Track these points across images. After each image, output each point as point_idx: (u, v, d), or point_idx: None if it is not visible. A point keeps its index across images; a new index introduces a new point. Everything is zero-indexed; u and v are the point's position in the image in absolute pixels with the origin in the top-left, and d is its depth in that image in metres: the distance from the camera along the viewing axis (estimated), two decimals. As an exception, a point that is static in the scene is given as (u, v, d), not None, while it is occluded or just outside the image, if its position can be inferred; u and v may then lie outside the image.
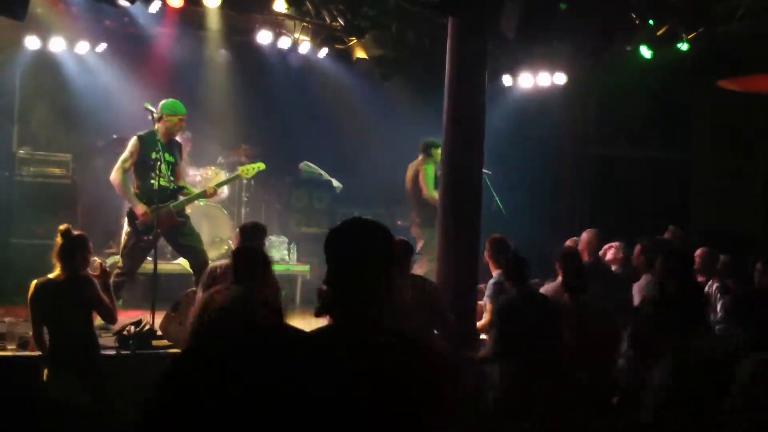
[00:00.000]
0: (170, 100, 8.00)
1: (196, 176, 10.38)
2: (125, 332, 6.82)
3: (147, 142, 7.77)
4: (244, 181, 11.02)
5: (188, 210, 9.99)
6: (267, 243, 10.45)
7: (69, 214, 9.31)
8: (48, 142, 10.22)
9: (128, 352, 6.70)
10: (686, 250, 6.45)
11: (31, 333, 5.93)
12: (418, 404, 2.27)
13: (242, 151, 10.94)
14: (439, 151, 8.94)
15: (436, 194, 9.08)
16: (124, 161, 7.77)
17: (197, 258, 7.88)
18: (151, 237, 7.65)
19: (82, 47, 10.04)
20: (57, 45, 9.92)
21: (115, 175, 7.80)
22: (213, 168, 10.53)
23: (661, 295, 5.37)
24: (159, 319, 7.24)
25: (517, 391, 5.65)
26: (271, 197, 11.39)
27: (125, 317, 7.44)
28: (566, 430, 5.49)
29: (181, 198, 8.00)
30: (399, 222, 11.03)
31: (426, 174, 9.47)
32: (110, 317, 6.05)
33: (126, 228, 7.94)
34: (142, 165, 7.79)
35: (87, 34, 9.94)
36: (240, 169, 8.81)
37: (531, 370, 5.60)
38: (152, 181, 7.77)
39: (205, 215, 10.09)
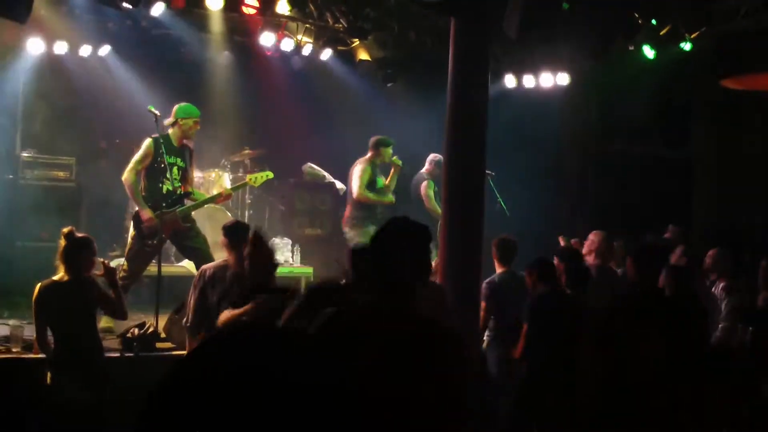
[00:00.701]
0: (184, 103, 8.04)
1: (199, 178, 10.38)
2: (129, 335, 6.84)
3: (161, 145, 7.76)
4: (248, 184, 11.05)
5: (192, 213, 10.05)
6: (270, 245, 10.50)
7: (72, 216, 9.33)
8: (51, 145, 10.23)
9: (132, 354, 6.71)
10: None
11: (34, 335, 5.94)
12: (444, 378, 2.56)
13: (245, 153, 10.95)
14: (390, 150, 9.10)
15: (368, 194, 9.16)
16: (138, 162, 7.76)
17: (204, 261, 7.88)
18: (155, 242, 7.65)
19: (86, 50, 10.05)
20: (60, 48, 9.93)
21: (127, 176, 7.79)
22: (216, 170, 10.54)
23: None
24: (163, 321, 7.27)
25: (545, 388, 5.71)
26: (274, 199, 11.40)
27: (129, 320, 7.45)
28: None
29: (188, 203, 8.00)
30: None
31: (362, 172, 9.51)
32: (120, 313, 6.08)
33: (131, 231, 7.94)
34: (153, 168, 7.80)
35: (90, 36, 9.94)
36: (248, 177, 8.84)
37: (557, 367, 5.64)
38: (161, 185, 7.79)
39: (208, 218, 10.08)
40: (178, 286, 8.56)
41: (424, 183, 10.09)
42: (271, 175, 9.04)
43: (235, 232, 6.47)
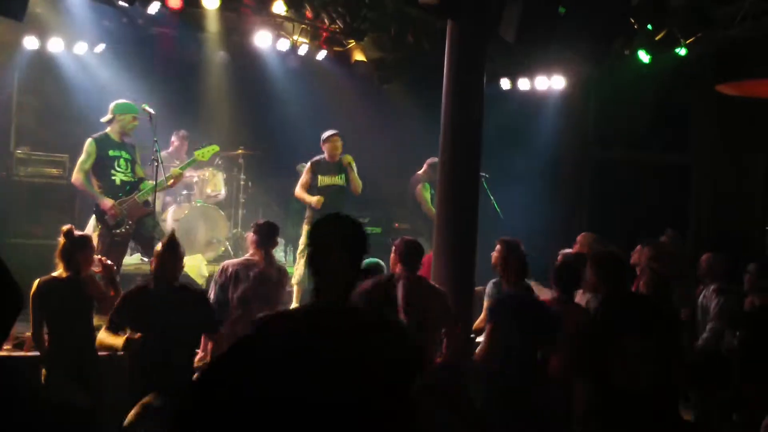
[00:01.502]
0: (122, 100, 8.03)
1: (193, 177, 10.38)
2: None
3: (102, 143, 7.82)
4: (242, 183, 11.03)
5: (185, 211, 10.04)
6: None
7: (66, 214, 9.31)
8: (45, 142, 10.20)
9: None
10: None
11: (26, 333, 5.92)
12: (387, 367, 2.69)
13: (240, 152, 10.94)
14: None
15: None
16: (83, 162, 7.78)
17: (149, 252, 7.82)
18: (123, 230, 7.66)
19: (81, 48, 10.04)
20: (55, 45, 9.91)
21: (76, 177, 7.82)
22: (211, 169, 10.54)
23: None
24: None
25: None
26: (268, 199, 11.39)
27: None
28: None
29: (144, 189, 7.97)
30: (396, 225, 11.04)
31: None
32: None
33: (96, 229, 7.91)
34: (100, 164, 7.81)
35: (86, 34, 9.93)
36: (195, 153, 8.83)
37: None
38: (113, 178, 7.82)
39: (202, 216, 10.10)
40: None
41: (420, 185, 10.10)
42: (216, 148, 9.12)
43: (265, 231, 6.50)
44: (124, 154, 7.88)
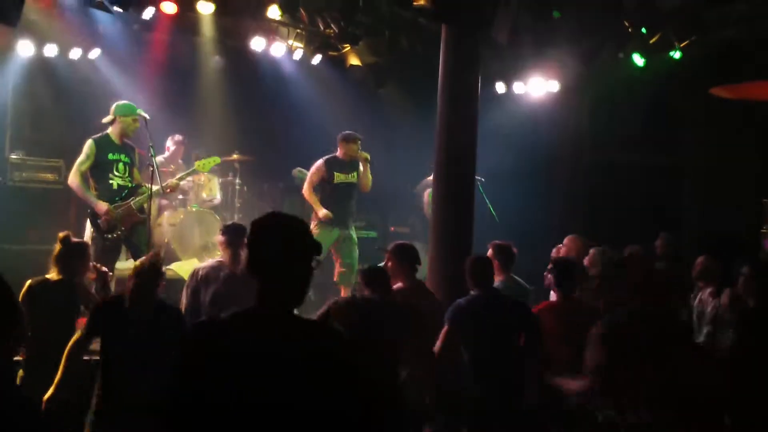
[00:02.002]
0: (123, 102, 7.99)
1: (189, 182, 10.37)
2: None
3: (102, 144, 7.77)
4: (237, 188, 11.04)
5: (181, 215, 10.03)
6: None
7: (61, 219, 9.30)
8: (40, 147, 10.20)
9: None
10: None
11: None
12: (332, 378, 2.64)
13: (235, 157, 10.94)
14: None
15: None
16: (81, 164, 7.72)
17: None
18: (115, 235, 7.65)
19: (76, 53, 10.04)
20: (50, 51, 9.92)
21: (72, 178, 7.76)
22: (206, 174, 10.53)
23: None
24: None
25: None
26: (264, 203, 11.38)
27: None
28: None
29: (142, 195, 7.94)
30: (392, 228, 11.05)
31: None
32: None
33: (90, 233, 7.89)
34: (99, 167, 7.76)
35: (80, 39, 9.93)
36: (196, 164, 8.80)
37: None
38: (110, 182, 7.76)
39: (198, 221, 10.09)
40: (165, 287, 8.50)
41: (427, 191, 10.01)
42: (218, 160, 9.11)
43: (233, 231, 6.51)
44: (123, 157, 7.85)
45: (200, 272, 6.47)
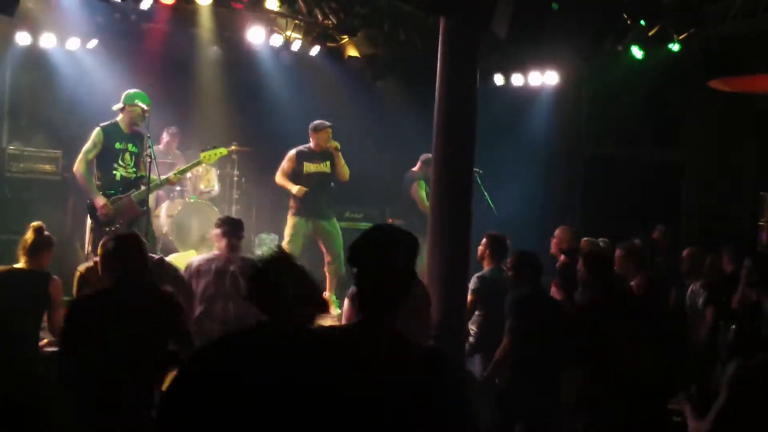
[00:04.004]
0: (133, 90, 7.95)
1: (186, 173, 10.35)
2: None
3: (110, 133, 7.74)
4: (235, 179, 11.02)
5: (178, 207, 10.02)
6: (257, 240, 10.51)
7: (59, 210, 9.30)
8: (38, 138, 10.18)
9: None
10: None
11: None
12: (437, 414, 2.32)
13: (233, 148, 10.92)
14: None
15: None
16: (87, 152, 7.71)
17: None
18: (113, 228, 7.63)
19: (73, 43, 10.00)
20: (48, 41, 9.89)
21: (78, 166, 7.75)
22: (204, 165, 10.50)
23: None
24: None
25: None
26: (262, 195, 11.37)
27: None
28: None
29: (143, 188, 7.91)
30: (390, 220, 11.03)
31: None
32: (54, 328, 5.67)
33: (89, 223, 7.88)
34: (105, 156, 7.74)
35: (78, 30, 9.90)
36: (201, 155, 8.78)
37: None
38: (114, 172, 7.75)
39: (195, 212, 10.08)
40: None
41: (415, 183, 10.03)
42: (225, 151, 9.13)
43: (228, 225, 6.55)
44: (130, 147, 7.81)
45: (193, 265, 6.48)
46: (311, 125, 9.10)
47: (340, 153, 9.03)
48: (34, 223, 5.83)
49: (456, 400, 2.38)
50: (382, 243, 2.56)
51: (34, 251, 5.71)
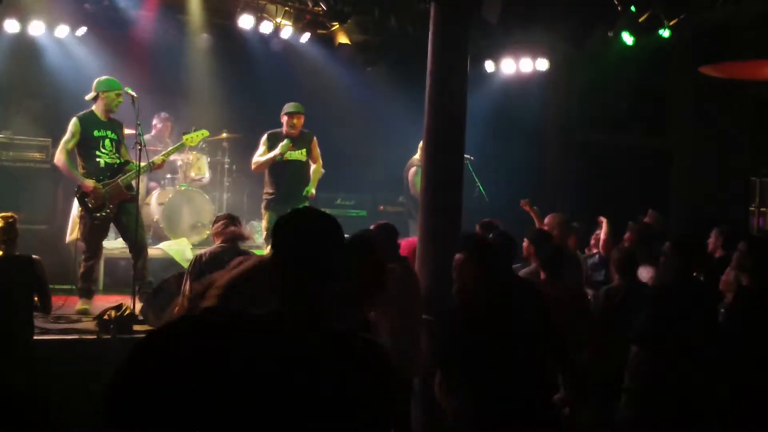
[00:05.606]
0: (105, 77, 7.92)
1: (177, 161, 10.34)
2: (106, 317, 6.80)
3: (87, 121, 7.71)
4: (226, 166, 11.01)
5: (169, 195, 10.01)
6: (249, 227, 10.49)
7: (49, 198, 9.27)
8: (27, 126, 10.13)
9: (109, 336, 6.68)
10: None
11: None
12: (359, 396, 2.26)
13: (223, 135, 10.90)
14: None
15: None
16: (67, 142, 7.67)
17: (134, 241, 7.77)
18: (104, 214, 7.61)
19: (62, 31, 9.95)
20: (36, 28, 9.83)
21: (58, 157, 7.72)
22: (195, 152, 10.49)
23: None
24: (140, 304, 7.25)
25: None
26: (252, 182, 11.35)
27: (106, 302, 7.43)
28: None
29: (129, 173, 7.91)
30: (381, 207, 11.04)
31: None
32: (47, 306, 6.12)
33: (78, 211, 7.86)
34: (85, 144, 7.70)
35: (67, 17, 9.85)
36: (184, 138, 8.69)
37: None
38: (98, 159, 7.71)
39: (186, 200, 10.07)
40: (155, 268, 8.50)
41: (413, 169, 9.94)
42: (206, 133, 9.05)
43: (230, 216, 6.77)
44: (109, 134, 7.78)
45: (203, 258, 6.46)
46: (283, 109, 8.91)
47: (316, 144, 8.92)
48: (7, 213, 5.92)
49: (378, 386, 2.30)
50: (306, 231, 2.47)
51: (5, 237, 5.81)
